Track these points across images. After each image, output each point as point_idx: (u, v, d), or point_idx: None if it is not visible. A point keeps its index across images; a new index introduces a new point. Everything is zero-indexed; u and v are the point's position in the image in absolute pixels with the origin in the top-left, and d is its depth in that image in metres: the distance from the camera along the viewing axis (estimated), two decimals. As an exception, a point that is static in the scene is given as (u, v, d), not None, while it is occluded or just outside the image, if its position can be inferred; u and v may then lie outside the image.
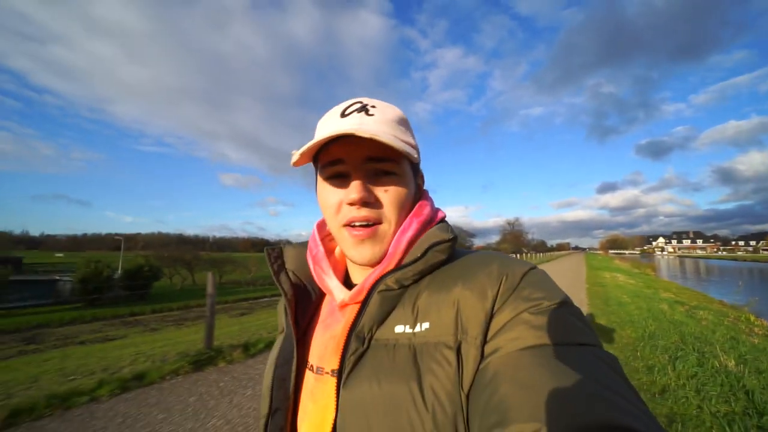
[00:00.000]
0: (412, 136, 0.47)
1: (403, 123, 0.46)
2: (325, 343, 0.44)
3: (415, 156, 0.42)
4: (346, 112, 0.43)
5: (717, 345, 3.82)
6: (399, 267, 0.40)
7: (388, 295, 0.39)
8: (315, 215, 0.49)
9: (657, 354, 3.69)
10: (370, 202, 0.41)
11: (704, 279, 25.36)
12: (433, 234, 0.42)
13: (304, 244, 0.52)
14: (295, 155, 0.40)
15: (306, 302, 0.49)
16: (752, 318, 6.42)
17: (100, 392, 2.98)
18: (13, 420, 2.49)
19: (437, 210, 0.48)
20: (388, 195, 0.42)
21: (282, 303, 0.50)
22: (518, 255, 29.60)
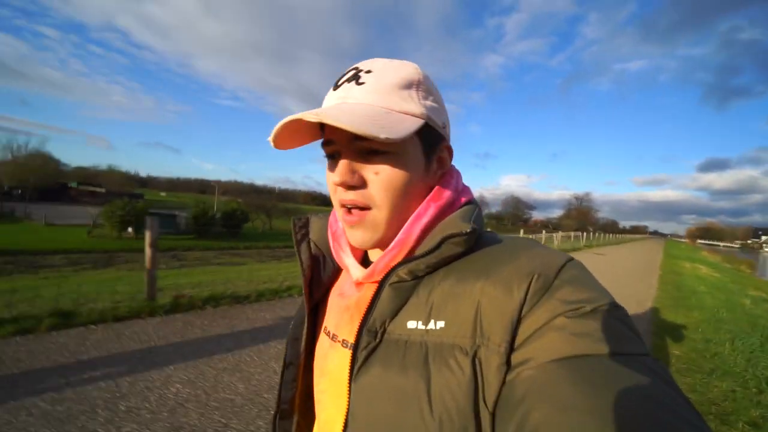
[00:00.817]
0: (429, 98, 0.39)
1: (411, 85, 0.38)
2: (341, 313, 0.44)
3: (405, 132, 0.34)
4: (339, 83, 0.39)
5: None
6: (411, 258, 0.37)
7: (401, 287, 0.37)
8: None
9: (720, 333, 4.12)
10: (354, 185, 0.38)
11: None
12: (451, 224, 0.38)
13: (328, 215, 0.51)
14: (269, 141, 0.38)
15: (325, 271, 0.50)
16: None
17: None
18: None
19: (462, 191, 0.43)
20: (378, 178, 0.37)
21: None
22: (583, 234, 27.92)
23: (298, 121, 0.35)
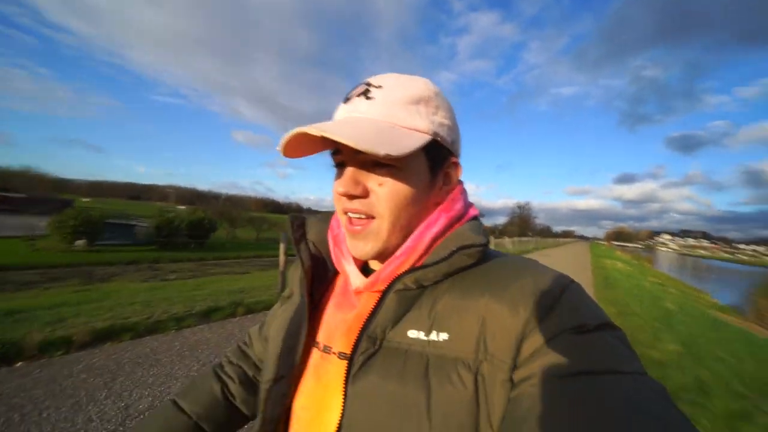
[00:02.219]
0: (438, 114, 0.40)
1: (420, 101, 0.39)
2: (336, 325, 0.43)
3: (406, 149, 0.35)
4: (349, 97, 0.40)
5: (667, 299, 6.75)
6: (421, 266, 0.37)
7: (406, 295, 0.37)
8: (324, 180, 0.41)
9: (633, 299, 6.61)
10: (357, 195, 0.39)
11: (692, 273, 28.24)
12: (464, 234, 0.39)
13: (326, 216, 0.51)
14: (279, 151, 0.39)
15: (321, 276, 0.48)
16: (706, 297, 9.33)
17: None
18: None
19: (470, 206, 0.44)
20: (381, 189, 0.38)
21: (294, 269, 0.49)
22: (523, 238, 32.21)
23: (302, 135, 0.36)
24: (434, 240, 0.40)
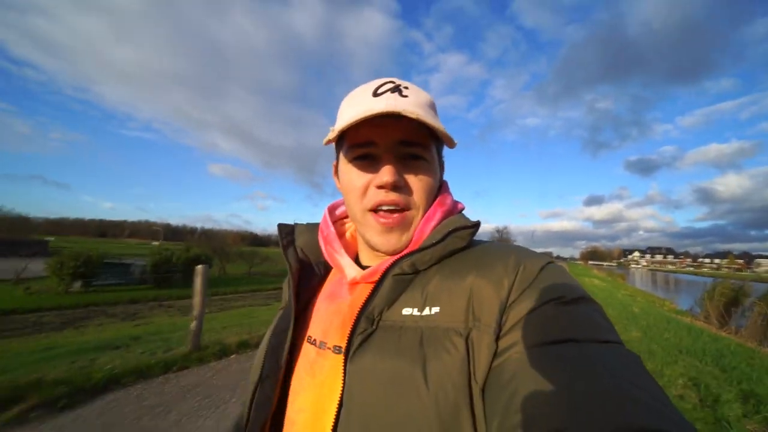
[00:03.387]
0: (438, 118, 0.44)
1: (433, 107, 0.44)
2: (330, 319, 0.43)
3: (452, 142, 0.40)
4: (379, 92, 0.41)
5: (634, 306, 8.45)
6: (416, 250, 0.39)
7: (401, 279, 0.39)
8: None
9: (607, 309, 8.22)
10: (400, 186, 0.40)
11: (661, 286, 31.00)
12: (455, 220, 0.41)
13: (314, 226, 0.53)
14: (333, 132, 0.39)
15: (310, 279, 0.50)
16: (667, 302, 11.21)
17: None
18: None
19: (457, 202, 0.48)
20: (418, 181, 0.41)
21: (287, 279, 0.50)
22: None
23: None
24: (427, 227, 0.43)
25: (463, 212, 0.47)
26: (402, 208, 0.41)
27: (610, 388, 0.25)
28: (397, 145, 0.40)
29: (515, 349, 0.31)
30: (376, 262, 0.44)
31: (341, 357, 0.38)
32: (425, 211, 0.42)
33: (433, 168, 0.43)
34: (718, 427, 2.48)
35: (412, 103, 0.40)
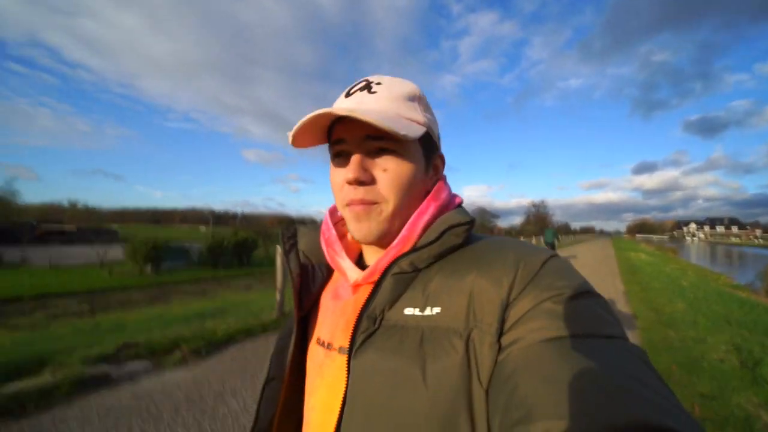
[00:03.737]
0: (427, 112, 0.45)
1: (414, 99, 0.44)
2: (335, 320, 0.44)
3: (415, 133, 0.39)
4: (351, 92, 0.43)
5: (683, 279, 8.21)
6: (413, 249, 0.40)
7: (401, 278, 0.39)
8: (331, 193, 0.48)
9: (653, 281, 8.09)
10: (365, 180, 0.40)
11: (721, 261, 28.41)
12: (451, 217, 0.41)
13: (316, 226, 0.53)
14: (289, 136, 0.41)
15: (315, 280, 0.50)
16: (723, 276, 10.61)
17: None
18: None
19: (455, 195, 0.48)
20: (386, 174, 0.41)
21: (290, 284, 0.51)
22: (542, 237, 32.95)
23: (318, 120, 0.39)
24: (426, 227, 0.42)
25: (462, 205, 0.47)
26: (370, 202, 0.41)
27: (611, 384, 0.25)
28: (364, 140, 0.41)
29: (516, 345, 0.31)
30: (374, 261, 0.44)
31: (344, 359, 0.39)
32: (400, 204, 0.42)
33: (409, 159, 0.42)
34: (756, 384, 2.72)
35: (378, 98, 0.41)
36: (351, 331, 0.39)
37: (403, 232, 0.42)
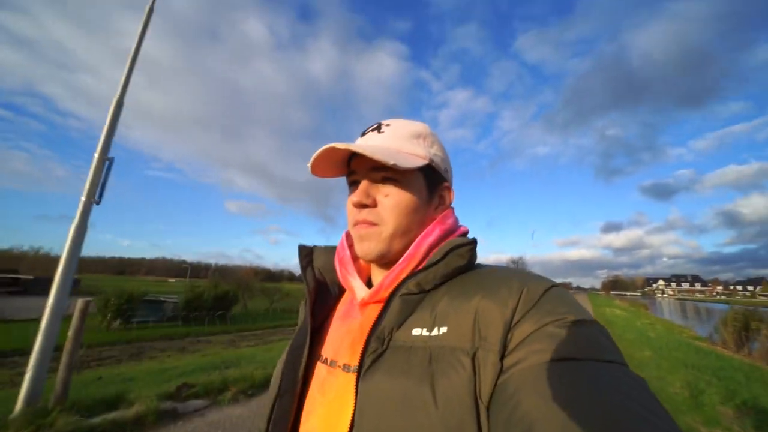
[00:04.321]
0: (433, 148, 0.49)
1: (419, 137, 0.49)
2: (341, 338, 0.45)
3: (410, 164, 0.44)
4: (365, 132, 0.50)
5: (651, 332, 9.11)
6: (419, 270, 0.41)
7: (409, 299, 0.41)
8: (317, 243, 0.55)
9: (626, 332, 8.92)
10: (368, 204, 0.45)
11: (687, 316, 30.11)
12: (455, 240, 0.44)
13: (332, 248, 0.56)
14: (308, 167, 0.46)
15: (325, 299, 0.53)
16: (686, 330, 11.66)
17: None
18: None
19: (460, 225, 0.51)
20: (387, 199, 0.45)
21: (304, 299, 0.53)
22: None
23: (333, 154, 0.45)
24: (431, 248, 0.45)
25: (467, 235, 0.49)
26: (371, 223, 0.45)
27: (613, 404, 0.25)
28: (371, 170, 0.46)
29: (519, 366, 0.32)
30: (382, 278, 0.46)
31: (351, 375, 0.40)
32: (396, 226, 0.45)
33: (409, 188, 0.46)
34: (699, 408, 3.43)
35: (385, 137, 0.48)
36: (356, 349, 0.41)
37: (409, 251, 0.45)
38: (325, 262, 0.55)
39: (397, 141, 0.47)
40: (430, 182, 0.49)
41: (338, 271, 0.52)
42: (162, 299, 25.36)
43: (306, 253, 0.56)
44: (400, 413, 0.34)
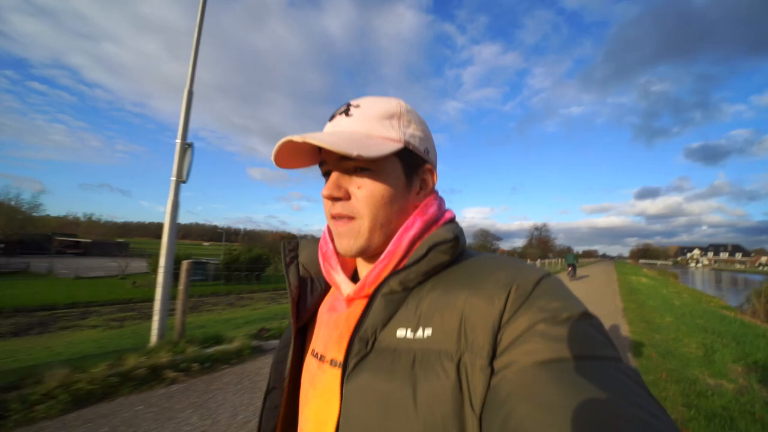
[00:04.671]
0: (410, 128, 0.44)
1: (392, 117, 0.44)
2: (329, 334, 0.45)
3: (379, 152, 0.39)
4: (333, 115, 0.45)
5: (675, 300, 9.26)
6: (401, 269, 0.39)
7: (392, 298, 0.39)
8: None
9: (649, 299, 9.15)
10: (339, 197, 0.42)
11: (721, 287, 29.13)
12: (437, 234, 0.41)
13: (317, 240, 0.54)
14: (272, 160, 0.43)
15: (314, 292, 0.52)
16: (715, 299, 11.64)
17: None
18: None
19: (445, 211, 0.47)
20: (360, 191, 0.42)
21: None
22: (545, 260, 33.77)
23: (300, 144, 0.42)
24: (412, 242, 0.42)
25: (453, 220, 0.47)
26: (347, 216, 0.43)
27: (607, 408, 0.25)
28: (340, 160, 0.43)
29: (510, 369, 0.30)
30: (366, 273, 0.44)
31: (337, 371, 0.40)
32: (373, 219, 0.42)
33: (384, 177, 0.42)
34: (709, 364, 3.84)
35: (354, 120, 0.43)
36: (342, 345, 0.41)
37: (390, 246, 0.42)
38: (309, 256, 0.53)
39: (367, 124, 0.43)
40: (408, 167, 0.45)
41: (321, 265, 0.50)
42: (204, 261, 27.90)
43: (290, 248, 0.55)
44: (384, 415, 0.34)
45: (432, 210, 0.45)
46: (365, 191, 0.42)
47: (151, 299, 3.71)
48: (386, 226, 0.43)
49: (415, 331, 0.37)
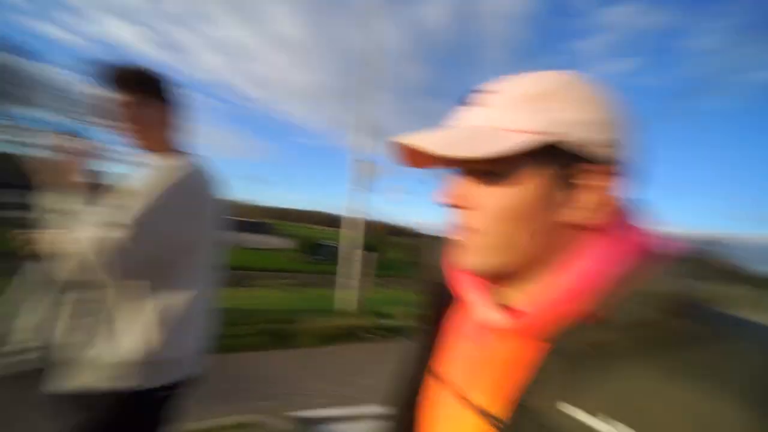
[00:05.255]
0: (564, 110, 0.29)
1: (538, 97, 0.30)
2: (472, 366, 0.35)
3: (500, 149, 0.28)
4: (466, 100, 0.34)
5: None
6: (598, 322, 0.27)
7: (578, 362, 0.27)
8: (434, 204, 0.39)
9: None
10: (460, 205, 0.33)
11: None
12: (656, 279, 0.27)
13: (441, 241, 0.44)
14: (397, 160, 0.36)
15: (448, 303, 0.43)
16: None
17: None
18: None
19: (651, 234, 0.31)
20: (485, 201, 0.32)
21: (422, 301, 0.46)
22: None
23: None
24: (607, 282, 0.28)
25: (685, 259, 0.28)
26: (468, 229, 0.33)
27: None
28: (464, 161, 0.32)
29: None
30: (521, 301, 0.32)
31: (488, 427, 0.31)
32: (495, 237, 0.31)
33: (513, 183, 0.30)
34: None
35: (483, 111, 0.32)
36: (495, 395, 0.31)
37: (568, 280, 0.29)
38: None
39: (506, 111, 0.30)
40: (557, 168, 0.30)
41: (450, 278, 0.40)
42: (327, 243, 33.04)
43: (429, 250, 0.47)
44: None
45: (628, 234, 0.30)
46: (489, 202, 0.31)
47: (301, 271, 5.35)
48: (518, 248, 0.31)
49: (606, 419, 0.24)
